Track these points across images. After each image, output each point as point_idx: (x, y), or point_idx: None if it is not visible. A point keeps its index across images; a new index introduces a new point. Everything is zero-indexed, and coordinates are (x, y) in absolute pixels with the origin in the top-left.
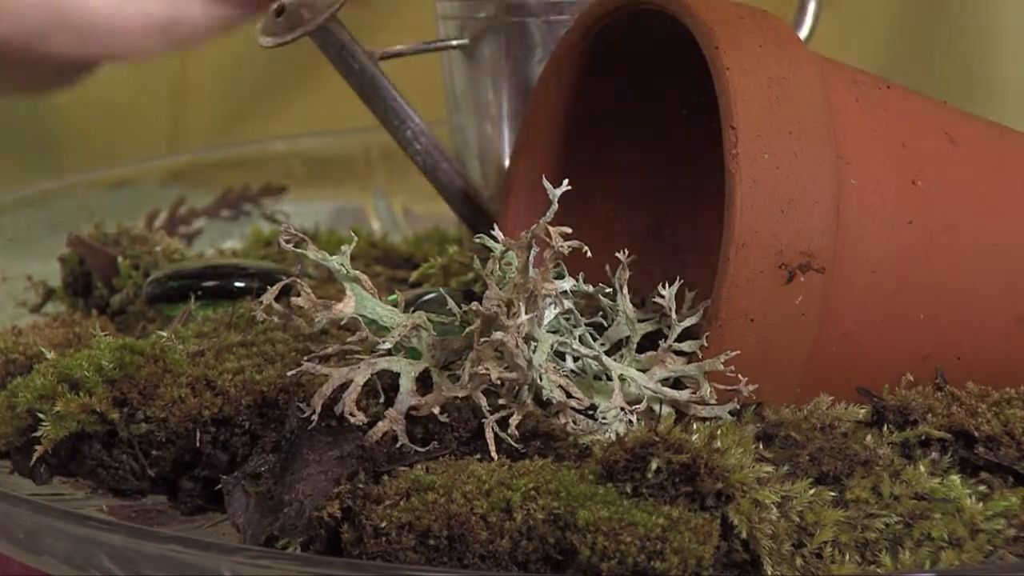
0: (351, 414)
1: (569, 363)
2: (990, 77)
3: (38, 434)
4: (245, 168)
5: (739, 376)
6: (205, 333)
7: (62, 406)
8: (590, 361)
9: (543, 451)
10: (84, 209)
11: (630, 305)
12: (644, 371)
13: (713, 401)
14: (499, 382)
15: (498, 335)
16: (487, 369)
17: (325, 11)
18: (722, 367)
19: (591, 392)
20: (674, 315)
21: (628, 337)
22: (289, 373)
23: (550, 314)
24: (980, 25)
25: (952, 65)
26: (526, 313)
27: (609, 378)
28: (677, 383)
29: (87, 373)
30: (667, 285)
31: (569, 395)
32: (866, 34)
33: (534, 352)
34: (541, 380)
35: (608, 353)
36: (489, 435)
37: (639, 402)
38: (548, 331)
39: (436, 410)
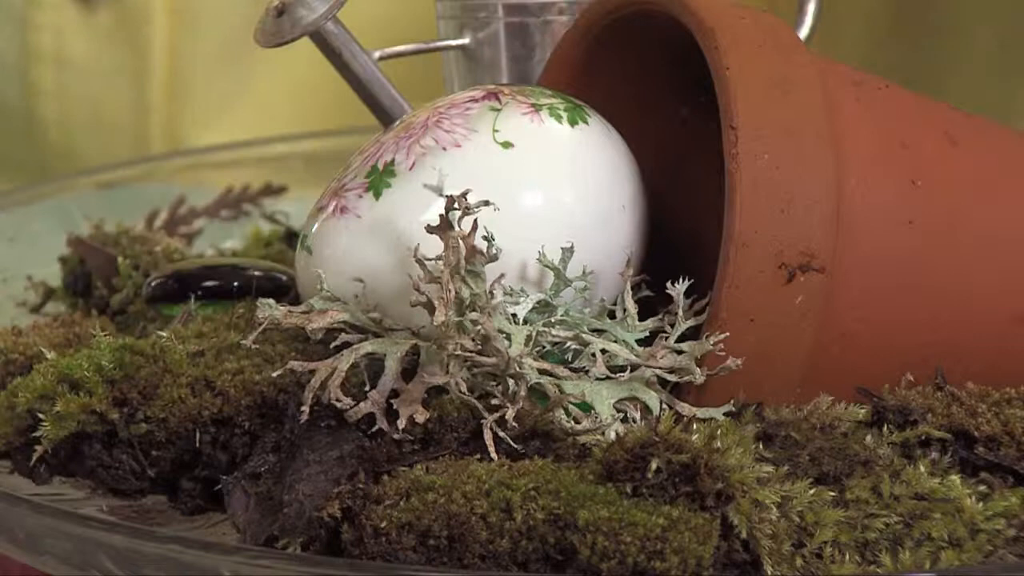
0: (337, 400)
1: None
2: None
3: (38, 434)
4: (245, 168)
5: (729, 355)
6: (205, 333)
7: (62, 406)
8: (570, 343)
9: (543, 451)
10: (84, 209)
11: (632, 302)
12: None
13: (700, 376)
14: (480, 368)
15: (472, 315)
16: (459, 345)
17: (325, 11)
18: (711, 347)
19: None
20: (681, 313)
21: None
22: (275, 374)
23: (524, 308)
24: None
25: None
26: (472, 285)
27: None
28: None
29: (87, 373)
30: (674, 283)
31: (561, 390)
32: (855, 27)
33: (509, 347)
34: (521, 368)
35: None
36: (488, 435)
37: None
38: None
39: (418, 415)
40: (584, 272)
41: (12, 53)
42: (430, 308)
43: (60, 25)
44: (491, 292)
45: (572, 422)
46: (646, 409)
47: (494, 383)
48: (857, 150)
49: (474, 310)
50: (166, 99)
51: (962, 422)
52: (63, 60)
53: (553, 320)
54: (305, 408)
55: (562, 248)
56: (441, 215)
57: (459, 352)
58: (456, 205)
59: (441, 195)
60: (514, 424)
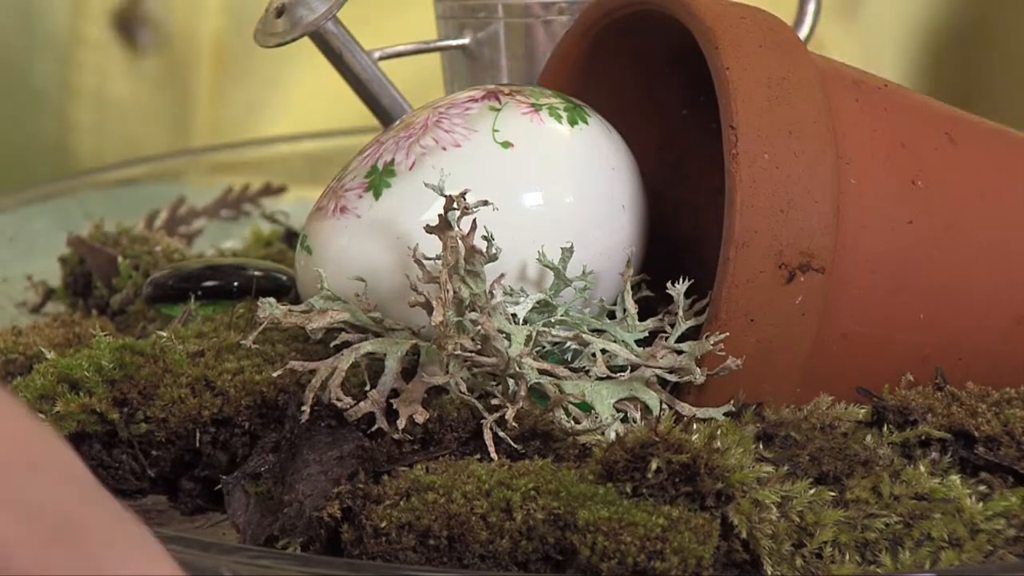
0: (337, 399)
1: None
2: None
3: None
4: (245, 168)
5: (729, 355)
6: (205, 333)
7: (62, 406)
8: (570, 343)
9: (543, 451)
10: (85, 209)
11: (632, 302)
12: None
13: (700, 376)
14: (480, 368)
15: (472, 315)
16: (459, 345)
17: (325, 11)
18: (711, 347)
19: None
20: (681, 313)
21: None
22: (275, 374)
23: (524, 308)
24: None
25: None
26: (472, 284)
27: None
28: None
29: (87, 373)
30: (674, 283)
31: (561, 390)
32: (893, 51)
33: (509, 347)
34: (521, 368)
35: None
36: (488, 435)
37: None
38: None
39: (418, 415)
40: (584, 272)
41: (52, 88)
42: (428, 308)
43: (104, 66)
44: (491, 292)
45: (572, 422)
46: (646, 409)
47: (494, 383)
48: (857, 150)
49: (474, 310)
50: (208, 142)
51: (962, 422)
52: (103, 100)
53: (553, 320)
54: (305, 408)
55: (562, 248)
56: (440, 215)
57: (459, 352)
58: (455, 205)
59: (442, 194)
60: (514, 424)
